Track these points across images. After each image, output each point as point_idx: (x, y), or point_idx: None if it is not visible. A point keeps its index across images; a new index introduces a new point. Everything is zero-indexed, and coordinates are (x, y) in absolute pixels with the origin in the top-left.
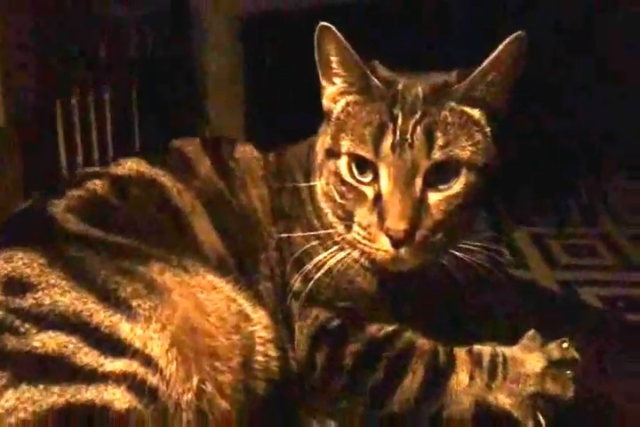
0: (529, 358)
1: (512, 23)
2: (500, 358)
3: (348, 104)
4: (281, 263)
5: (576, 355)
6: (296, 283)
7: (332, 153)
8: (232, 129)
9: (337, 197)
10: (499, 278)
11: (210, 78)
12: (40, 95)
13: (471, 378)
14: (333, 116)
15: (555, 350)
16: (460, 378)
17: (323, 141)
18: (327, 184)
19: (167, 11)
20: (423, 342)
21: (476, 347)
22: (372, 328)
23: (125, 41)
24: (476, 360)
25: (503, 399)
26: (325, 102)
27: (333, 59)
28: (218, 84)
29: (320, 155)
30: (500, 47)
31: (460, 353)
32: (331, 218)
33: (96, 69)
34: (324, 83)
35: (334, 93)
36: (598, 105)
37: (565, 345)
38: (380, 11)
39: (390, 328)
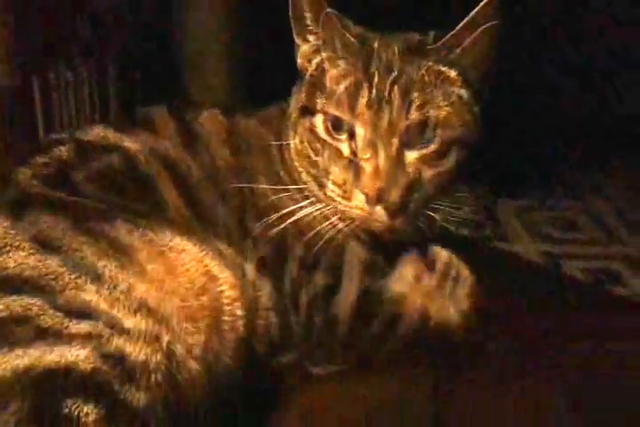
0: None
1: None
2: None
3: (322, 62)
4: (240, 212)
5: None
6: (298, 250)
7: (307, 110)
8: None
9: (312, 155)
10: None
11: (193, 50)
12: (19, 71)
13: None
14: (308, 73)
15: None
16: None
17: (297, 99)
18: (301, 142)
19: None
20: None
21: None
22: (364, 278)
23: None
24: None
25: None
26: (299, 61)
27: (307, 15)
28: (201, 56)
29: (295, 113)
30: (476, 10)
31: None
32: (304, 177)
33: (74, 44)
34: (298, 41)
35: (308, 51)
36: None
37: None
38: None
39: (382, 283)
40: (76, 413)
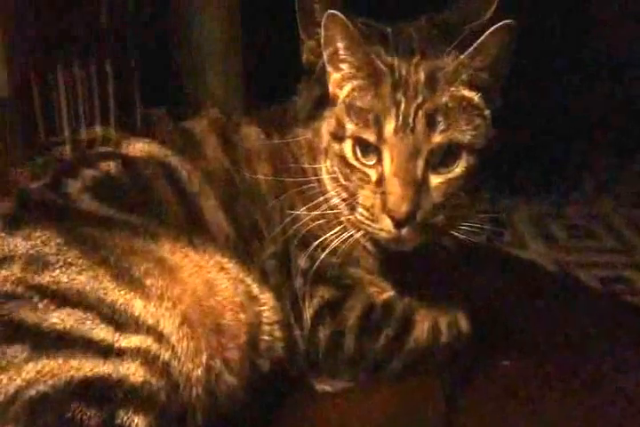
0: None
1: None
2: None
3: (353, 89)
4: (283, 238)
5: None
6: (302, 262)
7: (337, 136)
8: (229, 98)
9: (341, 179)
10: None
11: (207, 46)
12: (31, 67)
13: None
14: (339, 100)
15: None
16: None
17: (328, 125)
18: (332, 166)
19: None
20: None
21: None
22: (371, 293)
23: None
24: None
25: None
26: (331, 88)
27: (340, 45)
28: (216, 52)
29: (325, 137)
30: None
31: None
32: (335, 199)
33: (84, 40)
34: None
35: (340, 79)
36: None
37: None
38: None
39: (390, 293)
40: (127, 423)
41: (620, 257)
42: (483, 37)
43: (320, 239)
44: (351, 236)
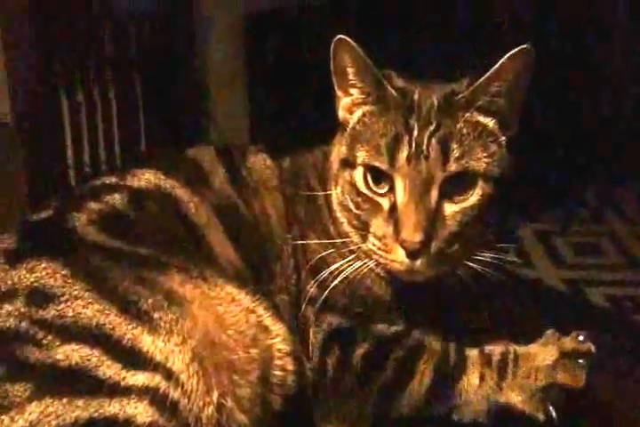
0: (542, 351)
1: None
2: (511, 356)
3: (364, 115)
4: (295, 270)
5: (592, 347)
6: (312, 289)
7: (348, 163)
8: (236, 123)
9: (352, 208)
10: (503, 280)
11: (212, 73)
12: (45, 93)
13: (481, 379)
14: (349, 126)
15: (568, 342)
16: (471, 380)
17: (338, 151)
18: (342, 194)
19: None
20: (434, 343)
21: (488, 347)
22: (381, 327)
23: (128, 38)
24: (487, 360)
25: (514, 397)
26: (341, 113)
27: (350, 70)
28: (220, 79)
29: (335, 165)
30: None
31: (471, 353)
32: (346, 228)
33: (101, 66)
34: (339, 93)
35: (350, 104)
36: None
37: (581, 338)
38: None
39: (399, 327)
40: None
41: (627, 274)
42: (499, 62)
43: (332, 267)
44: (364, 264)
